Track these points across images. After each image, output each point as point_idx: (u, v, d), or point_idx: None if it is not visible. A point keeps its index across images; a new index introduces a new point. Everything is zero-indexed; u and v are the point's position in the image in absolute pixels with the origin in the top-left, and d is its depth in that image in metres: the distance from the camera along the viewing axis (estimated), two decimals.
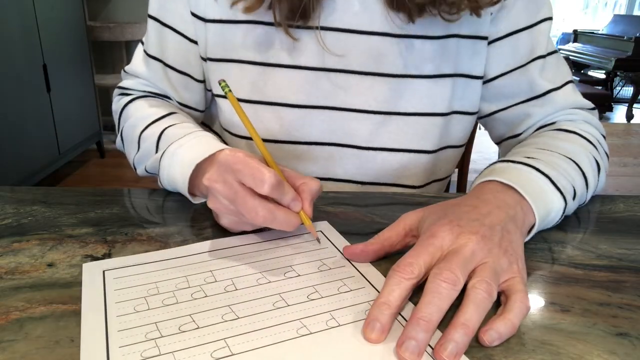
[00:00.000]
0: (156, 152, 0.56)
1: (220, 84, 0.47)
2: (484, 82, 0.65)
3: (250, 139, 0.64)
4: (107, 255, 0.43)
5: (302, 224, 0.45)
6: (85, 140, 2.76)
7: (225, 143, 0.72)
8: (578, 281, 0.42)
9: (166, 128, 0.57)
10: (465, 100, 0.65)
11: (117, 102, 0.68)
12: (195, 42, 0.64)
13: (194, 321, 0.35)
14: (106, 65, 3.25)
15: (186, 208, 0.54)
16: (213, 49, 0.63)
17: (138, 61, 0.68)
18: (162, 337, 0.33)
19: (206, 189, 0.45)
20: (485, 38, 0.62)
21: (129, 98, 0.66)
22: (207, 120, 0.75)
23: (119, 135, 0.66)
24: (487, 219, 0.41)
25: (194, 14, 0.62)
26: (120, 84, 0.70)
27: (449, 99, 0.63)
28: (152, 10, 0.65)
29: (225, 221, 0.46)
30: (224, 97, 0.65)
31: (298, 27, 0.59)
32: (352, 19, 0.59)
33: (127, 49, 3.20)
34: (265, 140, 0.64)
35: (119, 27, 2.94)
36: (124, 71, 0.70)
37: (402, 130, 0.63)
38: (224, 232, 0.48)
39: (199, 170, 0.49)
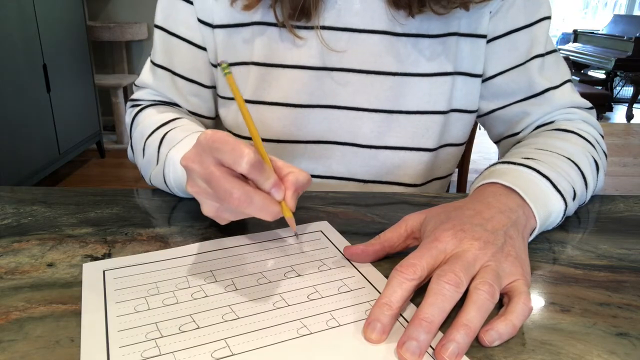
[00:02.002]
0: (157, 158, 0.56)
1: (221, 65, 0.44)
2: (483, 81, 0.65)
3: None
4: (107, 255, 0.43)
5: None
6: (85, 140, 2.76)
7: None
8: (578, 281, 0.42)
9: (168, 132, 0.57)
10: (464, 98, 0.65)
11: (129, 115, 0.68)
12: (204, 49, 0.64)
13: (194, 321, 0.35)
14: (106, 65, 3.25)
15: (187, 208, 0.54)
16: (222, 54, 0.63)
17: (146, 72, 0.68)
18: (163, 337, 0.33)
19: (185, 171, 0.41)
20: (484, 36, 0.62)
21: (138, 108, 0.66)
22: (215, 126, 0.75)
23: (129, 146, 0.66)
24: (490, 223, 0.41)
25: (201, 21, 0.62)
26: (131, 97, 0.70)
27: (449, 97, 0.63)
28: (158, 20, 0.65)
29: (206, 208, 0.41)
30: (230, 98, 0.65)
31: (299, 27, 0.59)
32: (353, 18, 0.59)
33: (127, 49, 3.21)
34: (267, 140, 0.65)
35: (119, 27, 2.95)
36: (134, 84, 0.70)
37: (404, 128, 0.63)
38: (223, 232, 0.48)
39: None
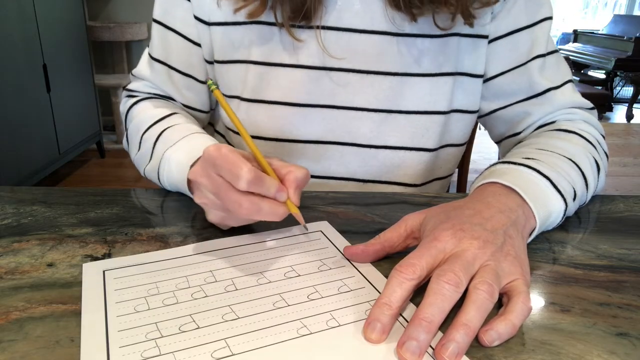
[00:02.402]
0: (151, 155, 0.58)
1: (207, 82, 0.48)
2: (484, 81, 0.65)
3: (254, 137, 0.65)
4: (107, 255, 0.43)
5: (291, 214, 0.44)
6: (85, 140, 2.76)
7: (229, 143, 0.72)
8: (578, 281, 0.42)
9: (164, 130, 0.58)
10: (465, 98, 0.65)
11: (124, 104, 0.69)
12: (199, 45, 0.65)
13: (194, 321, 0.35)
14: (106, 65, 3.25)
15: (186, 208, 0.54)
16: (219, 51, 0.64)
17: (143, 64, 0.69)
18: (163, 337, 0.33)
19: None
20: (485, 37, 0.62)
21: (134, 100, 0.67)
22: (211, 120, 0.76)
23: (125, 137, 0.68)
24: (489, 223, 0.41)
25: (197, 18, 0.63)
26: (128, 86, 0.71)
27: (450, 97, 0.63)
28: (156, 15, 0.66)
29: (212, 216, 0.46)
30: (233, 97, 0.66)
31: (300, 27, 0.59)
32: (353, 18, 0.59)
33: (127, 49, 3.20)
34: (266, 139, 0.65)
35: (119, 27, 2.94)
36: (132, 74, 0.71)
37: (404, 128, 0.63)
38: (224, 232, 0.48)
39: None
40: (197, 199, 0.45)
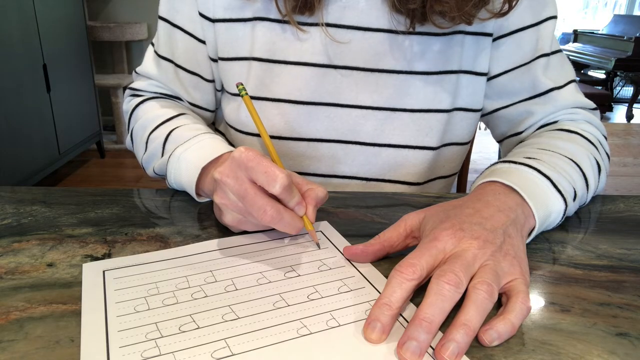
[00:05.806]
0: (162, 154, 0.58)
1: (237, 86, 0.48)
2: (488, 79, 0.65)
3: (256, 135, 0.65)
4: (107, 255, 0.43)
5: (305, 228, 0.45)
6: (85, 140, 2.76)
7: (229, 141, 0.72)
8: (578, 281, 0.42)
9: (173, 130, 0.58)
10: (469, 97, 0.65)
11: (128, 103, 0.69)
12: (204, 42, 0.65)
13: (194, 321, 0.35)
14: (106, 65, 3.25)
15: (187, 208, 0.54)
16: (223, 48, 0.64)
17: (149, 62, 0.69)
18: (163, 337, 0.33)
19: (215, 183, 0.44)
20: (490, 35, 0.62)
21: (140, 99, 0.67)
22: (214, 119, 0.76)
23: (129, 136, 0.68)
24: (489, 222, 0.41)
25: (201, 14, 0.62)
26: (132, 85, 0.71)
27: (453, 96, 0.63)
28: (162, 12, 0.66)
29: (228, 218, 0.45)
30: (237, 95, 0.66)
31: (304, 23, 0.59)
32: (358, 15, 0.59)
33: (127, 49, 3.21)
34: (270, 137, 0.65)
35: (119, 27, 2.94)
36: (135, 72, 0.71)
37: (407, 126, 0.63)
38: (223, 232, 0.48)
39: (203, 173, 0.51)
40: (218, 199, 0.44)
